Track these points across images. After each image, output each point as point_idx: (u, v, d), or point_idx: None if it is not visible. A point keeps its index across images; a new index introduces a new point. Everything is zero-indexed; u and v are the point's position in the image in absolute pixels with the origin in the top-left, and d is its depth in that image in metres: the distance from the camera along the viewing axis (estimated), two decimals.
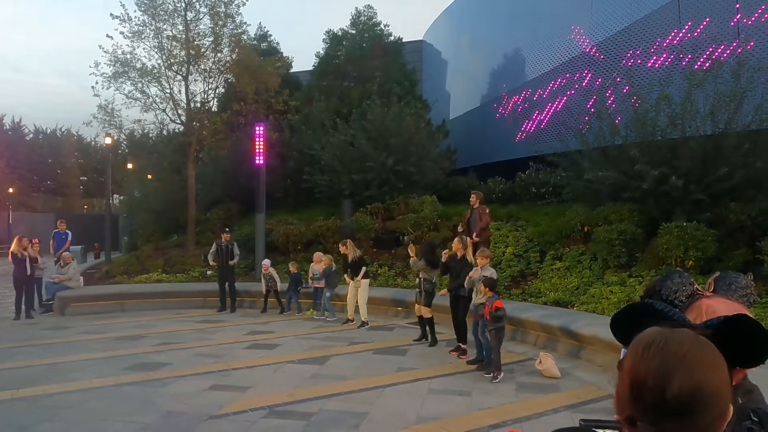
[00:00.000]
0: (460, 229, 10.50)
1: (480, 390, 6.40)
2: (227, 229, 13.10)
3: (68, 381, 6.73)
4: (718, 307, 1.25)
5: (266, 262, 12.30)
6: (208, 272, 14.32)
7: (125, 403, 5.91)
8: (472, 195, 10.39)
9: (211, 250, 12.34)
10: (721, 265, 8.89)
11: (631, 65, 13.43)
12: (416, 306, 8.93)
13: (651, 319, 1.04)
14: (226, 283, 12.22)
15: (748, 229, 9.29)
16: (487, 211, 10.81)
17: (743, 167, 9.50)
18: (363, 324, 10.21)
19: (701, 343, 0.94)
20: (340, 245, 10.93)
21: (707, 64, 11.35)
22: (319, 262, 11.53)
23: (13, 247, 11.78)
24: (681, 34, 13.03)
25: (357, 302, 10.40)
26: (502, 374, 6.85)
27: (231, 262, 12.24)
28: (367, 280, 10.53)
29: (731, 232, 9.51)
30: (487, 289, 7.03)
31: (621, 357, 1.03)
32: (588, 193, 11.57)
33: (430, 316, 8.71)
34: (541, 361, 7.02)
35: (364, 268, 10.45)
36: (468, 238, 8.61)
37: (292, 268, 12.14)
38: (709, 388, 0.89)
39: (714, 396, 0.89)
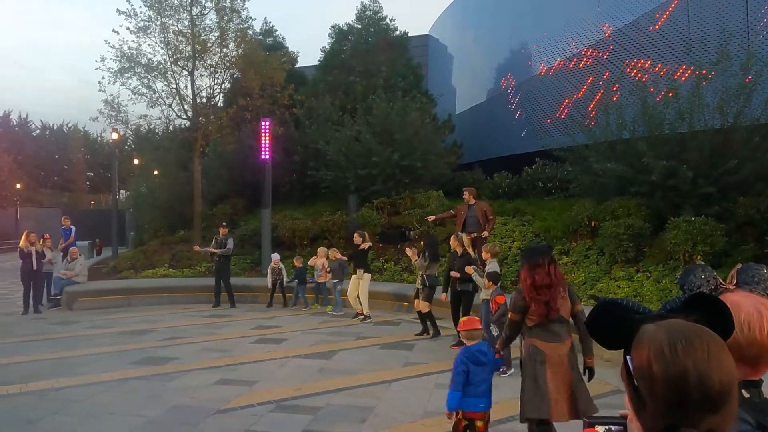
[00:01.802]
0: (431, 218, 11.10)
1: None
2: (224, 224, 13.12)
3: (76, 375, 6.77)
4: (743, 302, 1.22)
5: (276, 256, 12.37)
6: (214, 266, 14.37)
7: (132, 397, 5.94)
8: (465, 192, 10.25)
9: (211, 245, 12.42)
10: (730, 260, 8.82)
11: (638, 58, 13.32)
12: (416, 302, 8.96)
13: (620, 313, 1.03)
14: (221, 279, 12.19)
15: (757, 223, 9.21)
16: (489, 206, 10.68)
17: (752, 161, 9.41)
18: (365, 318, 10.26)
19: (708, 331, 0.94)
20: (355, 235, 10.87)
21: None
22: (321, 258, 11.58)
23: (21, 242, 11.88)
24: (689, 27, 12.90)
25: (359, 296, 10.46)
26: (512, 370, 6.82)
27: (213, 249, 12.09)
28: (369, 275, 10.58)
29: (740, 227, 9.43)
30: (491, 282, 7.01)
31: (629, 363, 0.96)
32: (595, 187, 11.48)
33: (427, 310, 8.74)
34: None
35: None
36: (463, 235, 8.58)
37: (297, 262, 12.18)
38: (735, 373, 0.91)
39: (736, 380, 0.92)
